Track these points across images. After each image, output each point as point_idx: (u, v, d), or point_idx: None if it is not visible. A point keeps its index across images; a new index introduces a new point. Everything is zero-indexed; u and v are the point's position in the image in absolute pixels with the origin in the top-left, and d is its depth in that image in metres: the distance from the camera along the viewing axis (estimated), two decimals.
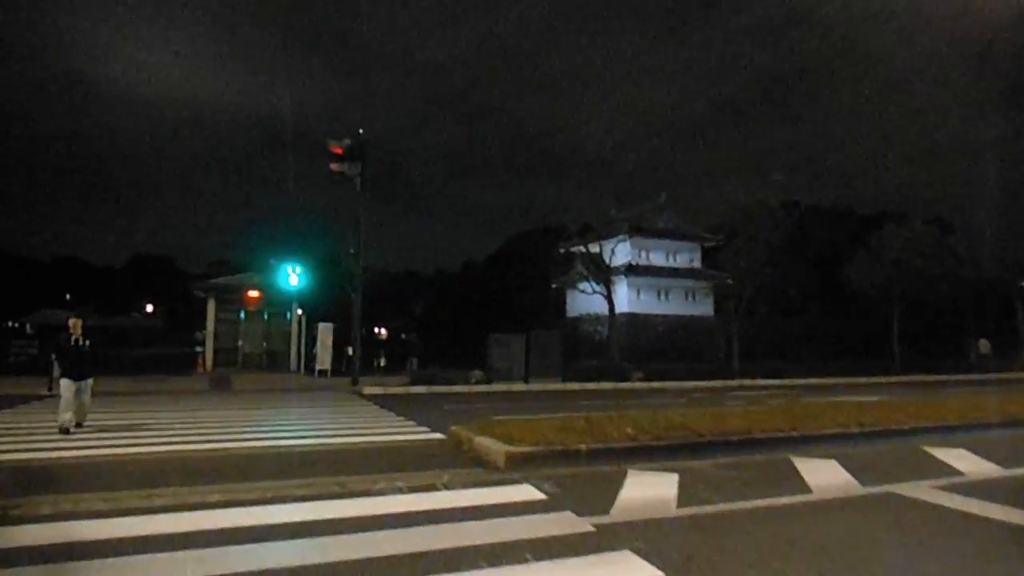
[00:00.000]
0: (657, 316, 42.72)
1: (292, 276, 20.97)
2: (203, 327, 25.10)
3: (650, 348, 31.63)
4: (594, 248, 51.27)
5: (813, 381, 24.76)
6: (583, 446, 7.03)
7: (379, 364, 31.02)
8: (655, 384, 22.65)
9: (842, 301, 34.36)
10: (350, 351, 20.77)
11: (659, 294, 47.27)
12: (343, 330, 25.80)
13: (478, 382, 20.87)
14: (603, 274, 27.78)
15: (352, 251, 19.81)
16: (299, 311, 25.91)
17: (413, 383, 20.10)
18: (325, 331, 23.84)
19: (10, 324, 42.21)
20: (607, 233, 50.34)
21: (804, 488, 6.06)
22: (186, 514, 4.87)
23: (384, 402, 15.27)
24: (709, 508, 5.32)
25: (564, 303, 53.71)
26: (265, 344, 25.66)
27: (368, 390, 18.79)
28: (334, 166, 17.65)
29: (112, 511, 4.95)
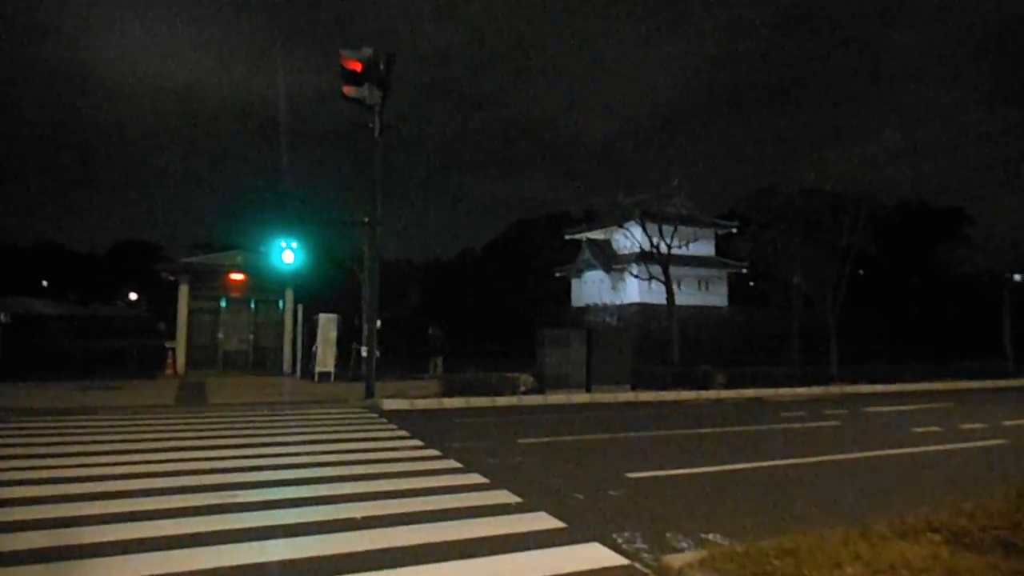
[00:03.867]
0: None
1: (287, 253, 16.04)
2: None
3: (665, 341, 27.66)
4: (603, 235, 47.16)
5: (936, 386, 20.15)
6: None
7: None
8: (746, 392, 17.93)
9: (928, 291, 29.75)
10: (363, 350, 15.91)
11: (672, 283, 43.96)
12: (348, 323, 20.97)
13: (527, 391, 16.09)
14: (660, 259, 23.16)
15: (367, 219, 14.91)
16: (293, 299, 20.99)
17: (446, 393, 15.26)
18: (328, 323, 18.95)
19: None
20: (616, 219, 46.19)
21: None
22: None
23: (420, 428, 10.46)
24: None
25: (569, 292, 49.56)
26: (252, 339, 20.66)
27: (388, 404, 13.98)
28: (348, 89, 12.71)
29: None
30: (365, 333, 16.13)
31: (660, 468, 7.49)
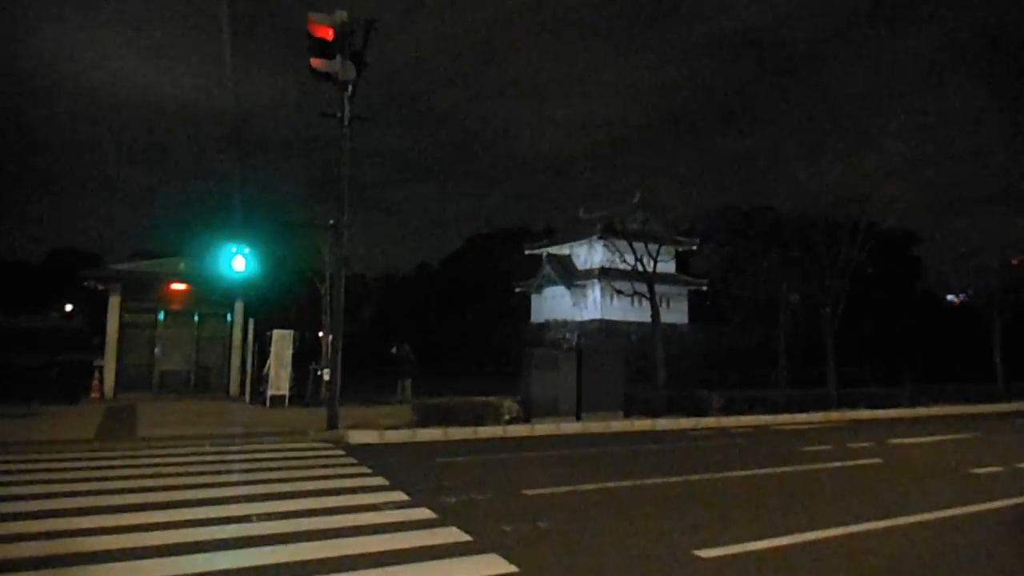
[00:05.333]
0: (631, 323, 38.41)
1: (238, 260, 13.87)
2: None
3: (630, 359, 26.59)
4: (564, 250, 45.95)
5: (939, 411, 19.14)
6: None
7: (322, 376, 24.52)
8: (745, 419, 16.43)
9: (909, 311, 29.09)
10: (325, 374, 13.80)
11: (632, 300, 43.43)
12: (303, 339, 18.82)
13: (512, 419, 14.24)
14: (645, 277, 21.91)
15: (332, 221, 12.89)
16: (244, 312, 18.66)
17: (421, 423, 13.27)
18: (282, 340, 16.72)
19: None
20: (578, 234, 44.96)
21: None
22: None
23: (398, 472, 8.51)
24: None
25: (528, 308, 48.18)
26: (194, 358, 18.20)
27: (355, 436, 11.95)
28: (316, 62, 10.68)
29: None
30: (326, 352, 14.04)
31: (733, 540, 5.73)
